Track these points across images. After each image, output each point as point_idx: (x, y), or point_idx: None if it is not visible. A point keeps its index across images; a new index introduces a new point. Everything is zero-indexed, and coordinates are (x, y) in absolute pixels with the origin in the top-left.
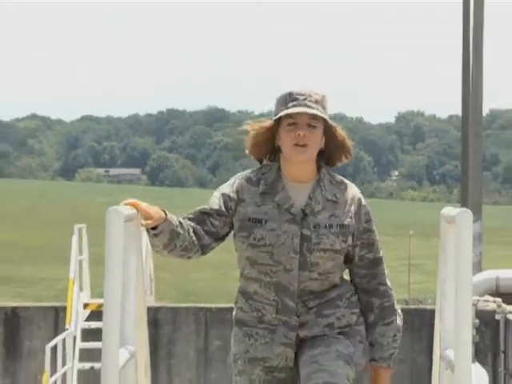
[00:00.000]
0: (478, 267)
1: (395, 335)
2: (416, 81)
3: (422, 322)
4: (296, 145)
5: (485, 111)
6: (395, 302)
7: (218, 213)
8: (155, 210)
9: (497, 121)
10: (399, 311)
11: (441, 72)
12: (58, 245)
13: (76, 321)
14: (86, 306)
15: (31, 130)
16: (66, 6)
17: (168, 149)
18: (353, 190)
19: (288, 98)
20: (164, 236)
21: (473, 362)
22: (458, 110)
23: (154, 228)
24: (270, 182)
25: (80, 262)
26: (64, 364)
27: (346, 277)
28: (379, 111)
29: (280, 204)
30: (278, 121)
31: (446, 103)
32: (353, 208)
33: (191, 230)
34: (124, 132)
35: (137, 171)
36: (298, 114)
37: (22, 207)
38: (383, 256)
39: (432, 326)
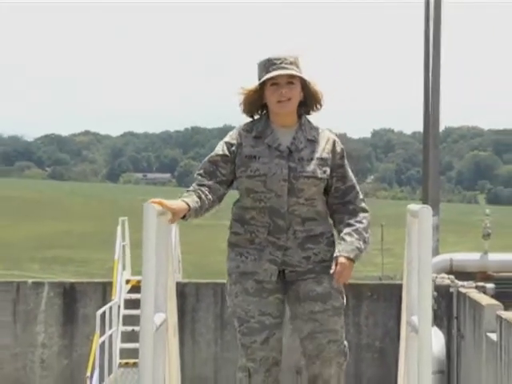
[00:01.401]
0: (436, 251)
1: (359, 239)
2: (386, 104)
3: (392, 294)
4: (279, 101)
5: (441, 128)
6: (365, 220)
7: (223, 158)
8: (178, 206)
9: (451, 136)
10: (368, 230)
11: (405, 97)
12: (105, 233)
13: (120, 293)
14: (127, 281)
15: (85, 144)
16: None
17: (192, 158)
18: (328, 133)
19: (267, 64)
20: (192, 216)
21: (432, 325)
22: (420, 127)
23: (183, 217)
24: (261, 129)
25: (123, 247)
26: (110, 327)
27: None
28: (359, 129)
29: (270, 144)
30: (262, 84)
31: (411, 122)
32: (328, 146)
33: (208, 194)
34: (158, 144)
35: (168, 175)
36: (278, 75)
37: (78, 203)
38: (355, 184)
39: (400, 297)
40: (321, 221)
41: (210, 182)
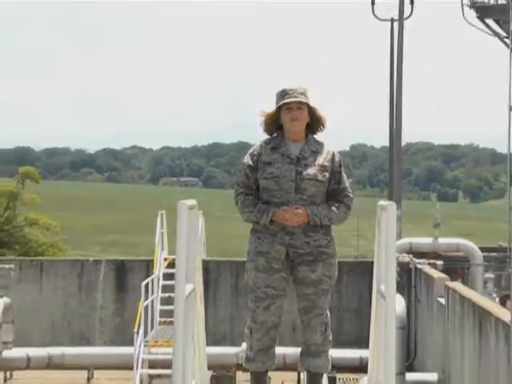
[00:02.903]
0: (399, 236)
1: (326, 215)
2: (361, 124)
3: (365, 269)
4: (291, 120)
5: (403, 143)
6: (341, 211)
7: (250, 168)
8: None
9: (410, 149)
10: (339, 218)
11: (376, 119)
12: (148, 223)
13: (159, 268)
14: (165, 259)
15: (133, 155)
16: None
17: (214, 166)
18: (329, 147)
19: (283, 93)
20: None
21: (395, 293)
22: (387, 143)
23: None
24: (277, 142)
25: (161, 234)
26: (152, 294)
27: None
28: (339, 144)
29: (283, 153)
30: (279, 108)
31: (380, 138)
32: (329, 157)
33: (256, 199)
34: (188, 156)
35: (195, 179)
36: (291, 102)
37: (128, 200)
38: (347, 186)
39: (372, 271)
40: None
41: (252, 192)
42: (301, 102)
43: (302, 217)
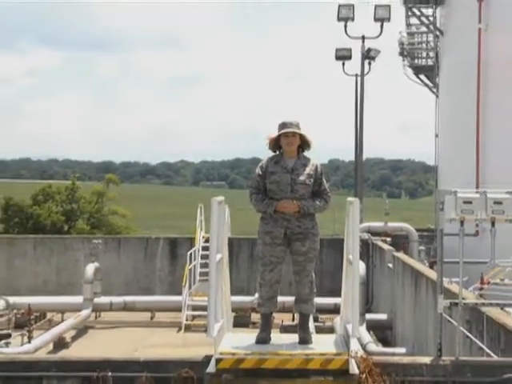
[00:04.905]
0: (361, 222)
1: (311, 205)
2: (336, 143)
3: (339, 245)
4: (287, 144)
5: (364, 158)
6: (322, 203)
7: (260, 176)
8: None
9: (369, 162)
10: (320, 209)
11: (345, 140)
12: (191, 212)
13: (199, 243)
14: (203, 237)
15: (181, 166)
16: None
17: (236, 173)
18: (313, 161)
19: (283, 125)
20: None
21: (359, 260)
22: (353, 157)
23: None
24: (278, 158)
25: (200, 219)
26: (194, 260)
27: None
28: (320, 158)
29: (282, 166)
30: (279, 135)
31: (348, 154)
32: (313, 167)
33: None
34: (219, 166)
35: (224, 183)
36: (287, 132)
37: (177, 197)
38: (326, 188)
39: (343, 246)
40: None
41: (260, 192)
42: (294, 132)
43: (295, 205)
